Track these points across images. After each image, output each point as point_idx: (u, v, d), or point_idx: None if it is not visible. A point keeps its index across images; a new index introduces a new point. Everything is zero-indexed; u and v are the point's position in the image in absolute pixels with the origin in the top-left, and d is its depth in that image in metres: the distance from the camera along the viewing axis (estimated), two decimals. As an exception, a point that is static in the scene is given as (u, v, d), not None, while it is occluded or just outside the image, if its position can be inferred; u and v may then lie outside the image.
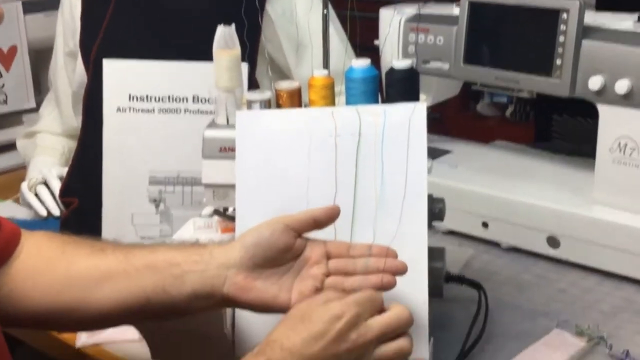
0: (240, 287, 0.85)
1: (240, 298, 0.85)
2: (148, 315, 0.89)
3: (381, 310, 0.81)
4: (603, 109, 1.22)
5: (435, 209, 1.04)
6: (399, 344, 0.81)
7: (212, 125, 1.02)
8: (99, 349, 1.11)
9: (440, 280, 1.02)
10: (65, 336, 1.13)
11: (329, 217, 0.87)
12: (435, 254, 1.02)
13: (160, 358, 1.04)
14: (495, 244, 1.35)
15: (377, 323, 0.80)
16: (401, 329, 0.81)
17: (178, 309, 0.87)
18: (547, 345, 1.06)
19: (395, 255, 0.86)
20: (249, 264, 0.85)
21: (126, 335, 1.09)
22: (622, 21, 1.23)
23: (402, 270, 0.85)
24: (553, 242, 1.28)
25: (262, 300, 0.85)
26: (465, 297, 1.14)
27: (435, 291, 0.96)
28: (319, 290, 0.84)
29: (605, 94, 1.20)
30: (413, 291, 0.89)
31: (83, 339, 1.12)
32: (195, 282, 0.85)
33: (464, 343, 1.05)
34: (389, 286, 0.84)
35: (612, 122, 1.22)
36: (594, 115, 1.25)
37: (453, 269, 1.17)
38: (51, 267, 0.89)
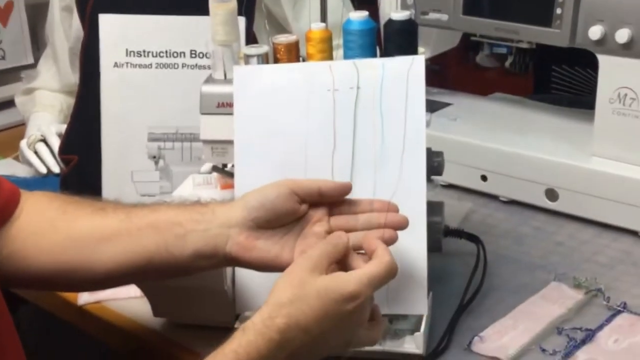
0: (242, 246, 0.85)
1: (242, 257, 0.85)
2: (150, 274, 0.89)
3: None
4: (603, 59, 1.21)
5: (434, 163, 1.04)
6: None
7: (210, 80, 1.02)
8: (100, 306, 1.12)
9: (439, 234, 1.02)
10: (68, 294, 1.13)
11: (335, 194, 0.87)
12: (434, 208, 1.02)
13: (161, 315, 1.05)
14: (494, 197, 1.35)
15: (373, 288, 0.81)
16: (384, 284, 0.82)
17: (180, 269, 0.87)
18: (545, 298, 1.07)
19: (396, 210, 0.86)
20: (251, 224, 0.85)
21: (128, 293, 1.10)
22: (623, -30, 1.21)
23: (403, 225, 0.85)
24: (551, 194, 1.28)
25: (265, 259, 0.85)
26: (464, 250, 1.15)
27: (434, 245, 0.96)
28: None
29: (606, 43, 1.19)
30: (412, 246, 0.89)
31: (85, 296, 1.12)
32: (197, 241, 0.85)
33: (462, 297, 1.05)
34: (391, 241, 0.84)
35: (612, 72, 1.21)
36: (593, 65, 1.24)
37: (452, 223, 1.18)
38: (52, 228, 0.89)
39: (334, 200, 0.87)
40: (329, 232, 0.86)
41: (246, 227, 0.85)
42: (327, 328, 0.78)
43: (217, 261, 0.86)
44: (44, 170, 1.45)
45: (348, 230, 0.85)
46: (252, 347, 0.75)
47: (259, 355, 0.75)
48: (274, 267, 0.85)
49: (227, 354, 0.75)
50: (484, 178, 1.35)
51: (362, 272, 0.80)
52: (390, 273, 0.81)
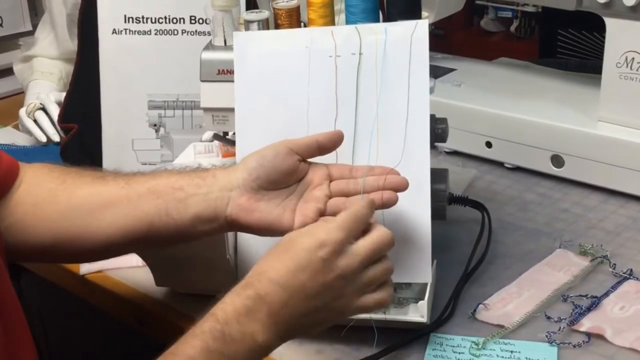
0: (243, 208, 0.84)
1: (243, 220, 0.84)
2: (151, 241, 0.88)
3: (365, 230, 0.80)
4: (610, 22, 1.19)
5: (438, 129, 1.03)
6: (385, 265, 0.80)
7: (210, 47, 1.00)
8: (102, 275, 1.12)
9: (444, 202, 1.01)
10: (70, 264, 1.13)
11: (332, 142, 0.86)
12: (438, 176, 1.01)
13: (163, 284, 1.04)
14: (499, 164, 1.34)
15: (363, 247, 0.78)
16: (384, 251, 0.80)
17: (182, 234, 0.87)
18: (551, 265, 1.07)
19: (397, 174, 0.85)
20: (252, 186, 0.84)
21: (130, 262, 1.09)
22: None
23: (403, 186, 0.84)
24: (557, 160, 1.27)
25: (266, 221, 0.84)
26: (468, 218, 1.14)
27: (438, 213, 0.95)
28: (321, 212, 0.84)
29: (613, 6, 1.17)
30: (416, 214, 0.89)
31: (87, 265, 1.12)
32: (198, 205, 0.85)
33: (467, 264, 1.05)
34: (390, 203, 0.83)
35: (619, 35, 1.19)
36: (600, 29, 1.22)
37: (456, 190, 1.17)
38: (52, 198, 0.88)
39: (331, 151, 0.86)
40: (330, 196, 0.85)
41: (247, 189, 0.84)
42: (304, 281, 0.76)
43: (218, 225, 0.86)
44: (43, 139, 1.45)
45: (348, 194, 0.84)
46: (229, 307, 0.75)
47: (236, 313, 0.75)
48: (275, 230, 0.84)
49: (206, 318, 0.76)
50: (488, 144, 1.34)
51: (331, 219, 0.79)
52: (361, 216, 0.79)
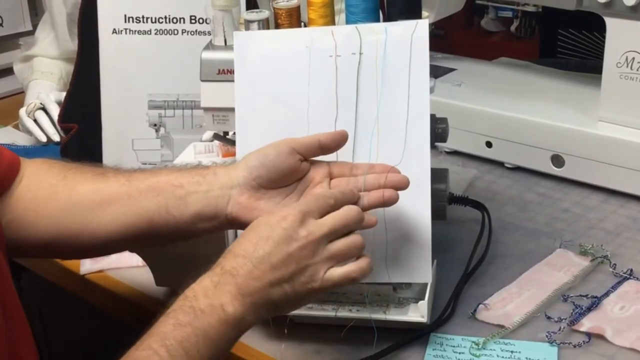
0: (243, 206, 0.84)
1: (243, 218, 0.84)
2: (151, 238, 0.89)
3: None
4: (610, 22, 1.19)
5: (438, 129, 1.02)
6: (352, 239, 0.80)
7: (210, 46, 1.00)
8: (102, 275, 1.12)
9: (444, 202, 1.01)
10: (70, 263, 1.13)
11: (335, 143, 0.86)
12: (438, 176, 1.01)
13: (163, 284, 1.04)
14: (499, 164, 1.34)
15: (327, 219, 0.79)
16: (351, 226, 0.80)
17: (182, 231, 0.87)
18: (551, 265, 1.07)
19: (397, 172, 0.85)
20: (252, 184, 0.85)
21: (130, 262, 1.10)
22: None
23: (404, 185, 0.84)
24: (557, 160, 1.27)
25: None
26: (468, 218, 1.14)
27: (438, 213, 0.95)
28: None
29: (613, 6, 1.17)
30: (416, 213, 0.89)
31: (87, 265, 1.12)
32: (198, 202, 0.85)
33: (467, 264, 1.05)
34: (391, 201, 0.83)
35: (619, 35, 1.19)
36: (600, 29, 1.22)
37: (456, 190, 1.17)
38: (53, 194, 0.89)
39: (334, 151, 0.87)
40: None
41: (248, 188, 0.85)
42: (268, 251, 0.77)
43: (218, 223, 0.86)
44: (43, 138, 1.44)
45: None
46: (197, 286, 0.77)
47: (204, 289, 0.76)
48: None
49: (177, 299, 0.77)
50: (488, 144, 1.34)
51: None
52: (323, 196, 0.80)
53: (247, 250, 0.77)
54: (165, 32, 1.29)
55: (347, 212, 0.80)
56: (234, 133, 0.96)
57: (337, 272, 0.79)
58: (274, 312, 0.81)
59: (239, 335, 0.78)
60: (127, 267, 1.10)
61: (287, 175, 0.85)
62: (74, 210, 0.88)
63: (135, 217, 0.86)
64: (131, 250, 0.99)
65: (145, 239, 0.89)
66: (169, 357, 0.72)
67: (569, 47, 1.86)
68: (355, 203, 0.82)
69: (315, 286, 0.78)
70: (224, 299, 0.76)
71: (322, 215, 0.79)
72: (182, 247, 0.90)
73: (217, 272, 0.77)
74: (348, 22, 0.97)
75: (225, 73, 0.98)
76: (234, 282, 0.76)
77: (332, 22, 0.99)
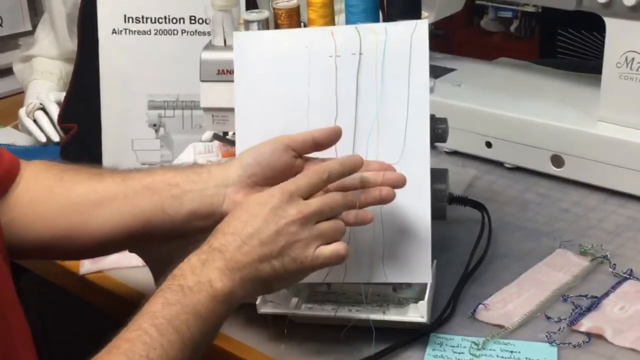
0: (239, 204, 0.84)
1: None
2: (148, 237, 0.89)
3: None
4: (610, 22, 1.19)
5: (438, 129, 1.02)
6: (337, 222, 0.81)
7: (209, 46, 1.00)
8: (102, 275, 1.12)
9: (443, 202, 1.01)
10: (69, 263, 1.13)
11: (329, 139, 0.86)
12: (438, 176, 1.01)
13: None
14: (498, 164, 1.34)
15: (314, 201, 0.80)
16: (336, 211, 0.81)
17: (177, 230, 0.87)
18: (551, 265, 1.06)
19: (393, 170, 0.85)
20: (248, 182, 0.85)
21: (130, 262, 1.09)
22: None
23: (401, 183, 0.84)
24: (557, 160, 1.27)
25: None
26: (468, 218, 1.14)
27: (438, 213, 0.95)
28: None
29: (613, 6, 1.16)
30: (416, 213, 0.89)
31: (87, 265, 1.12)
32: (194, 201, 0.86)
33: (467, 264, 1.05)
34: (388, 199, 0.84)
35: (619, 35, 1.19)
36: (600, 29, 1.22)
37: (456, 190, 1.17)
38: (50, 195, 0.89)
39: (328, 147, 0.87)
40: (326, 191, 0.85)
41: (243, 186, 0.85)
42: (257, 227, 0.78)
43: (214, 221, 0.85)
44: (43, 139, 1.44)
45: (345, 189, 0.84)
46: (185, 265, 0.78)
47: (192, 267, 0.77)
48: None
49: (166, 279, 0.77)
50: (488, 144, 1.34)
51: None
52: (310, 175, 0.82)
53: (236, 228, 0.78)
54: (165, 32, 1.29)
55: (333, 195, 0.82)
56: (234, 133, 0.96)
57: (328, 249, 0.80)
58: (262, 290, 0.82)
59: (229, 310, 0.78)
60: (127, 267, 1.10)
61: (281, 172, 0.85)
62: (70, 211, 0.88)
63: (132, 217, 0.87)
64: (129, 250, 0.99)
65: (142, 238, 0.89)
66: (159, 336, 0.72)
67: (569, 47, 1.86)
68: (357, 170, 0.83)
69: (305, 262, 0.79)
70: (212, 275, 0.76)
71: (313, 192, 0.81)
72: (182, 245, 0.90)
73: (205, 250, 0.78)
74: (348, 22, 0.97)
75: (225, 73, 0.98)
76: (223, 258, 0.77)
77: (332, 22, 0.99)
